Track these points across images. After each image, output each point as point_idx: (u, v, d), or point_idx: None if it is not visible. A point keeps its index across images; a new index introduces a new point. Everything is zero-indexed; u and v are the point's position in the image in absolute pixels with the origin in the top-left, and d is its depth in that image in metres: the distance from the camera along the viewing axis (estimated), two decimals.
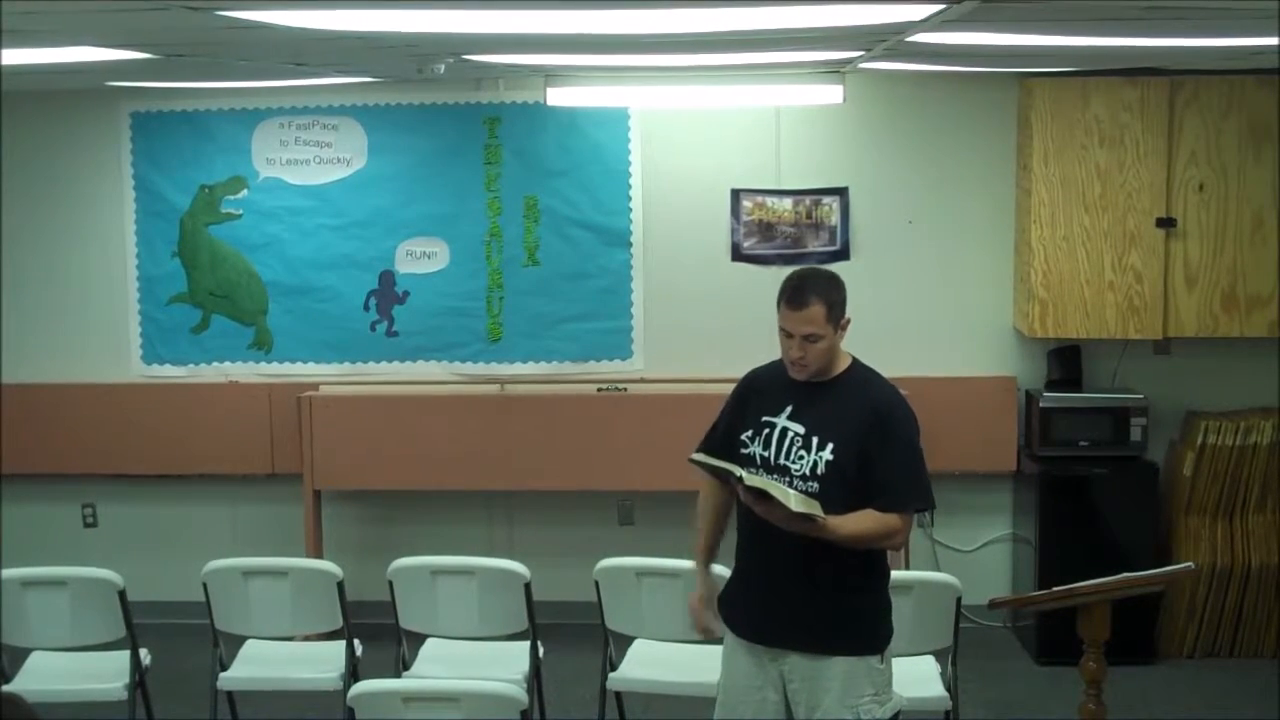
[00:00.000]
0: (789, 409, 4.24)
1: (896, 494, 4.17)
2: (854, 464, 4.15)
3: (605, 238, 7.17)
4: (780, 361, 4.31)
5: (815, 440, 4.18)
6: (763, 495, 4.03)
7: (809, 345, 4.16)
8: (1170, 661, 6.81)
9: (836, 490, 4.14)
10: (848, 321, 4.23)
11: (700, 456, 4.19)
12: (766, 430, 4.26)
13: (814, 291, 4.16)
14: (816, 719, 4.22)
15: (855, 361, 4.32)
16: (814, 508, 4.04)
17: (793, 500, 4.01)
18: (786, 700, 4.31)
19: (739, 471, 4.06)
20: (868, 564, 4.25)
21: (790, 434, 4.21)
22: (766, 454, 4.24)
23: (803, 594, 4.21)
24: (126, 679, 5.38)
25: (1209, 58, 5.53)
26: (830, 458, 4.15)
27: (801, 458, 4.18)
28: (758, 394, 4.36)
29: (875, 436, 4.17)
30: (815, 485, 4.16)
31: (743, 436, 4.30)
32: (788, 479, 4.18)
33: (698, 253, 7.13)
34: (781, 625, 4.27)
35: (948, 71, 6.55)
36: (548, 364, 7.25)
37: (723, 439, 4.38)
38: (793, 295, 4.18)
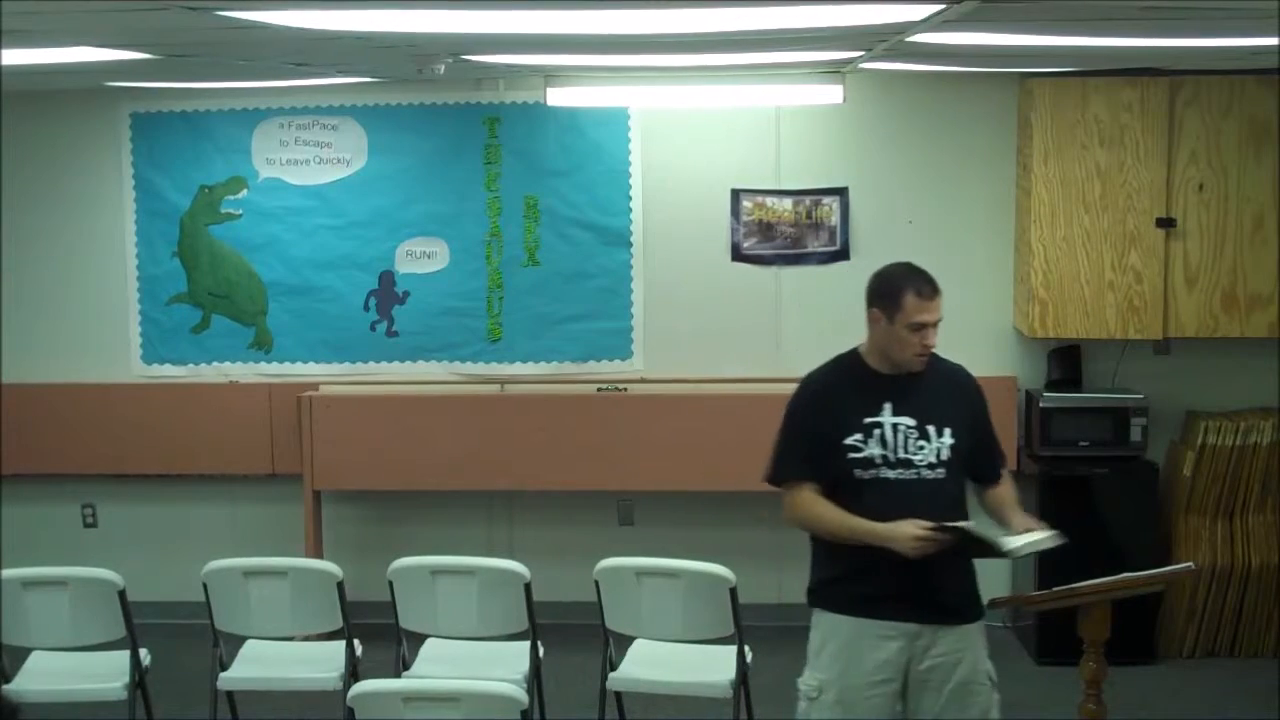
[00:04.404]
0: (889, 406, 4.29)
1: (1003, 456, 4.54)
2: (969, 443, 4.34)
3: (605, 238, 7.17)
4: (832, 366, 4.41)
5: (931, 429, 4.28)
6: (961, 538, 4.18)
7: (935, 332, 4.29)
8: (1170, 661, 6.81)
9: (957, 473, 4.33)
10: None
11: (965, 525, 4.19)
12: (877, 430, 4.28)
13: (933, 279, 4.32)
14: (956, 683, 4.30)
15: None
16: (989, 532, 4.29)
17: (1006, 541, 4.26)
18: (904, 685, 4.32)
19: (967, 525, 4.20)
20: None
21: (901, 429, 4.28)
22: (885, 452, 4.28)
23: (953, 566, 4.28)
24: (126, 679, 5.38)
25: (1209, 58, 5.53)
26: (952, 441, 4.29)
27: (922, 448, 4.27)
28: (837, 398, 4.35)
29: (976, 410, 4.42)
30: (942, 472, 4.28)
31: (850, 440, 4.27)
32: (913, 470, 4.27)
33: (698, 253, 7.12)
34: (939, 602, 4.31)
35: (948, 71, 6.55)
36: (548, 364, 7.25)
37: (811, 449, 4.32)
38: (924, 284, 4.26)
